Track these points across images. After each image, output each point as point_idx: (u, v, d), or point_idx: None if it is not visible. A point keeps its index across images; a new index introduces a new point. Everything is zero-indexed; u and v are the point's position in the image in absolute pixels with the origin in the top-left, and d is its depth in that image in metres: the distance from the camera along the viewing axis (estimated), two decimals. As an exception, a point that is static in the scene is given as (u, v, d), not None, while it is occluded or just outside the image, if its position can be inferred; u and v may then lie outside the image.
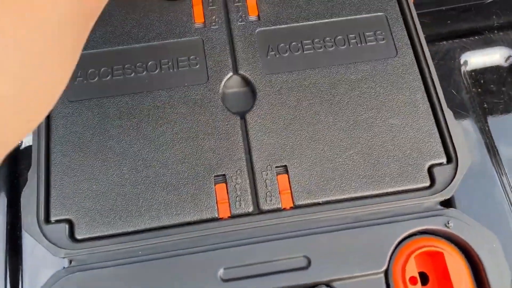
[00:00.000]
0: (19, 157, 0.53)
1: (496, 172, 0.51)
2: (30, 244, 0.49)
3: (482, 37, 0.57)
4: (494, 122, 0.54)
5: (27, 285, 0.48)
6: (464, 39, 0.56)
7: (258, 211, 0.42)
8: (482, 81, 0.55)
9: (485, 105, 0.54)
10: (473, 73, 0.56)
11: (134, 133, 0.45)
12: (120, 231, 0.41)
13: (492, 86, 0.55)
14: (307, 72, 0.47)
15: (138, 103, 0.46)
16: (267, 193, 0.43)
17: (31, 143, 0.45)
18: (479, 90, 0.55)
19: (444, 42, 0.56)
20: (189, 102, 0.46)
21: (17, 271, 0.49)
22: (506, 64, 0.56)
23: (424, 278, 0.42)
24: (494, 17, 0.58)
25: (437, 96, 0.46)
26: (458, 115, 0.53)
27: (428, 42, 0.48)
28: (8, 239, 0.50)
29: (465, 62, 0.56)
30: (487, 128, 0.53)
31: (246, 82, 0.48)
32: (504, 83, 0.55)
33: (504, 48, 0.56)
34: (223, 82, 0.47)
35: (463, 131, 0.49)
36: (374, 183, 0.43)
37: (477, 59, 0.56)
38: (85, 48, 0.41)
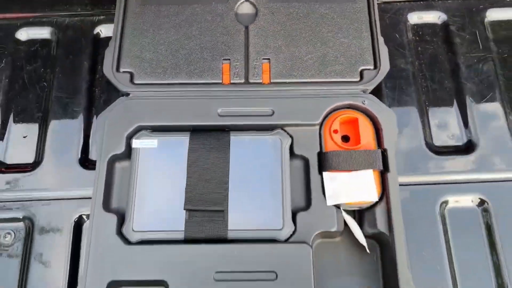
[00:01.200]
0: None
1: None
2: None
3: (425, 3, 0.80)
4: (425, 59, 0.77)
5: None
6: (412, 2, 0.80)
7: (247, 82, 0.68)
8: (420, 33, 0.79)
9: (419, 48, 0.78)
10: (415, 26, 0.79)
11: (180, 26, 0.71)
12: (163, 82, 0.67)
13: (427, 36, 0.78)
14: (292, 5, 0.72)
15: (183, 10, 0.72)
16: (254, 73, 0.68)
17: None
18: (417, 38, 0.78)
19: (397, 3, 0.80)
20: (213, 14, 0.72)
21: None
22: (439, 22, 0.79)
23: (346, 139, 0.66)
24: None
25: (376, 29, 0.70)
26: (396, 51, 0.76)
27: (384, 2, 0.72)
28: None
29: (410, 18, 0.79)
30: (416, 63, 0.76)
31: (253, 6, 0.73)
32: (436, 35, 0.78)
33: (440, 12, 0.79)
34: (237, 4, 0.72)
35: (387, 51, 0.72)
36: (324, 75, 0.67)
37: (419, 16, 0.79)
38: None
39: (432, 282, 0.63)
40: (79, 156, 0.71)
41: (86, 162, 0.71)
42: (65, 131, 0.73)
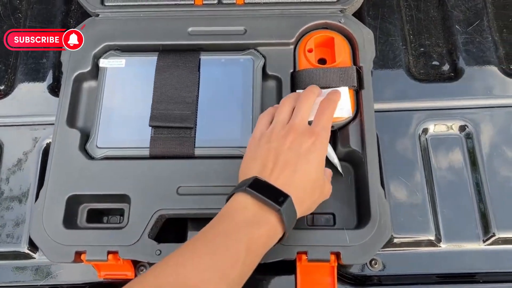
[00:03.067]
0: None
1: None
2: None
3: None
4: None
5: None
6: None
7: (220, 2, 0.65)
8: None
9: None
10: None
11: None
12: (134, 3, 0.65)
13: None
14: None
15: None
16: (228, -7, 0.65)
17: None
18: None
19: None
20: None
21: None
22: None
23: (323, 62, 0.64)
24: None
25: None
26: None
27: None
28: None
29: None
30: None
31: None
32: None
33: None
34: None
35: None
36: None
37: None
38: None
39: (410, 207, 0.60)
40: (51, 82, 0.70)
41: (57, 89, 0.69)
42: (37, 60, 0.71)
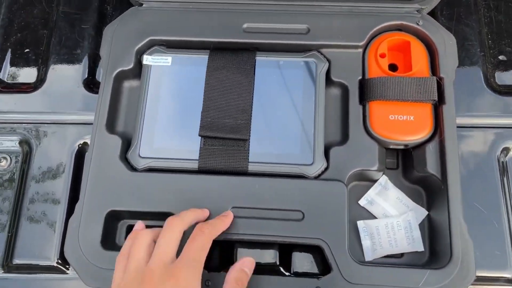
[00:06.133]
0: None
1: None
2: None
3: None
4: None
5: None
6: None
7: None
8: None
9: None
10: None
11: None
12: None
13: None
14: None
15: None
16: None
17: None
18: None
19: None
20: None
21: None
22: None
23: (394, 68, 0.56)
24: None
25: None
26: None
27: None
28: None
29: None
30: None
31: None
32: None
33: None
34: None
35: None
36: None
37: None
38: None
39: (486, 239, 0.53)
40: (86, 77, 0.63)
41: (92, 85, 0.63)
42: (71, 51, 0.65)
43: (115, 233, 0.51)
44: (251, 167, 0.51)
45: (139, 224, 0.47)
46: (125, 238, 0.51)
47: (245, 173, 0.51)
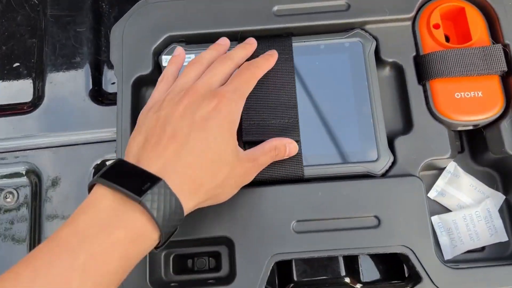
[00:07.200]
0: None
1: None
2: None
3: None
4: None
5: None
6: None
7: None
8: None
9: None
10: None
11: None
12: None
13: None
14: None
15: None
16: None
17: None
18: None
19: None
20: None
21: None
22: None
23: (447, 40, 0.49)
24: None
25: None
26: None
27: None
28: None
29: None
30: None
31: None
32: None
33: None
34: None
35: None
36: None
37: None
38: None
39: None
40: (91, 88, 0.55)
41: (100, 96, 0.55)
42: (68, 59, 0.56)
43: (160, 265, 0.44)
44: (307, 171, 0.44)
45: (179, 49, 0.46)
46: (173, 271, 0.44)
47: (301, 179, 0.44)
